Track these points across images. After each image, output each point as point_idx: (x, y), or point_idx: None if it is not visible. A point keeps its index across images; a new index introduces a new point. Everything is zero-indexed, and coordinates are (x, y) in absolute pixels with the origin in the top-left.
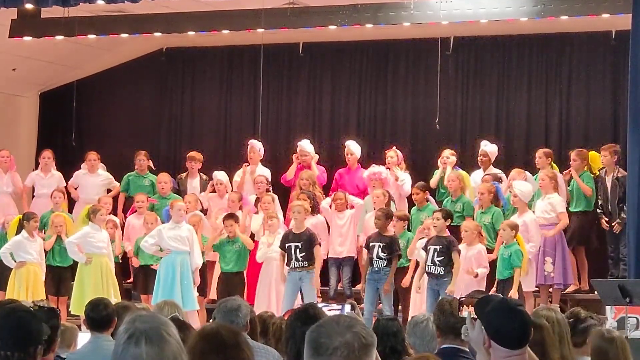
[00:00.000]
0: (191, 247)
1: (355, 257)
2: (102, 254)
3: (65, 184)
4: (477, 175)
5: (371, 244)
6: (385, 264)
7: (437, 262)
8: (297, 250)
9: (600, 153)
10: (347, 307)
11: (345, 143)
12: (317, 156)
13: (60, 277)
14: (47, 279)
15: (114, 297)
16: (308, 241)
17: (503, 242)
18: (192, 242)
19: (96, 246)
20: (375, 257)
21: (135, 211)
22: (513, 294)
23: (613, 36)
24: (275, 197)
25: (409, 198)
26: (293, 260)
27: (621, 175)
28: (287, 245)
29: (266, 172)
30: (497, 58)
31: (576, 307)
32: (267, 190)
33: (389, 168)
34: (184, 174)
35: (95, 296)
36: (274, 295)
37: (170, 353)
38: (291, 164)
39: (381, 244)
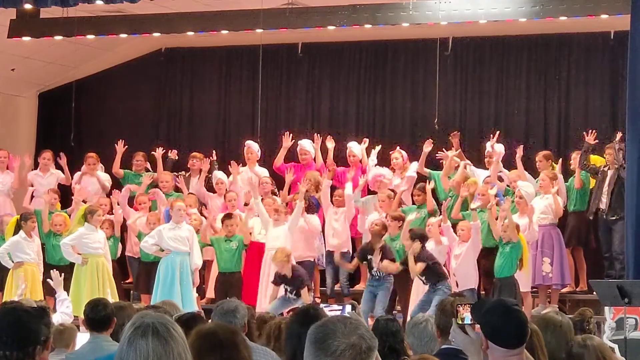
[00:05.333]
0: (191, 248)
1: (351, 252)
2: (98, 254)
3: (63, 182)
4: (483, 175)
5: (369, 257)
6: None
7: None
8: (287, 291)
9: (605, 152)
10: (348, 307)
11: (348, 145)
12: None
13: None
14: (46, 279)
15: (111, 297)
16: (296, 283)
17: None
18: (192, 242)
19: (92, 247)
20: (375, 268)
21: (137, 211)
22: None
23: (612, 37)
24: (276, 198)
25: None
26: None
27: (624, 165)
28: (280, 284)
29: (264, 173)
30: (495, 58)
31: (585, 309)
32: (273, 192)
33: (393, 169)
34: (187, 173)
35: (92, 296)
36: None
37: (175, 349)
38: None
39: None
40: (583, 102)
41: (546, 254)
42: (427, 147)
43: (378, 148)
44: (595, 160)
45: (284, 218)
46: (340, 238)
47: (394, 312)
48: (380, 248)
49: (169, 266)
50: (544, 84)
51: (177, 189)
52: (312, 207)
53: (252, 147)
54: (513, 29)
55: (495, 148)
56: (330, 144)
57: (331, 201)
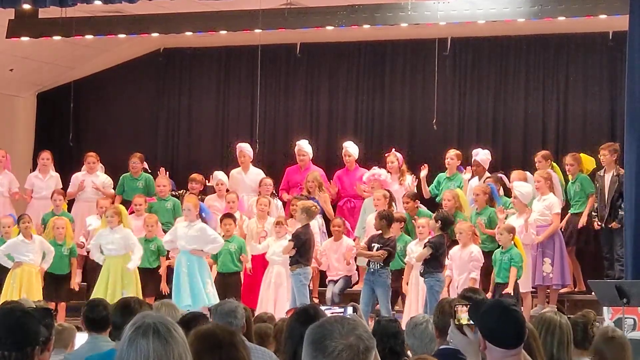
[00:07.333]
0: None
1: (351, 275)
2: (112, 256)
3: (62, 185)
4: (474, 183)
5: (372, 244)
6: (381, 266)
7: None
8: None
9: (599, 153)
10: (350, 309)
11: (344, 144)
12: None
13: (57, 282)
14: (45, 285)
15: (129, 293)
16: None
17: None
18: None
19: (107, 248)
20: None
21: (133, 212)
22: (508, 290)
23: (610, 37)
24: (271, 199)
25: None
26: None
27: (622, 174)
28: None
29: (260, 175)
30: (494, 59)
31: (589, 311)
32: (272, 195)
33: (389, 172)
34: (185, 192)
35: (112, 291)
36: (272, 297)
37: (176, 349)
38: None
39: (379, 246)
40: (581, 102)
41: (547, 255)
42: (423, 171)
43: None
44: (585, 159)
45: (284, 230)
46: (340, 272)
47: (393, 312)
48: (387, 239)
49: (178, 266)
50: (542, 85)
51: (174, 195)
52: None
53: (245, 150)
54: (512, 29)
55: (479, 156)
56: (334, 189)
57: (328, 231)
